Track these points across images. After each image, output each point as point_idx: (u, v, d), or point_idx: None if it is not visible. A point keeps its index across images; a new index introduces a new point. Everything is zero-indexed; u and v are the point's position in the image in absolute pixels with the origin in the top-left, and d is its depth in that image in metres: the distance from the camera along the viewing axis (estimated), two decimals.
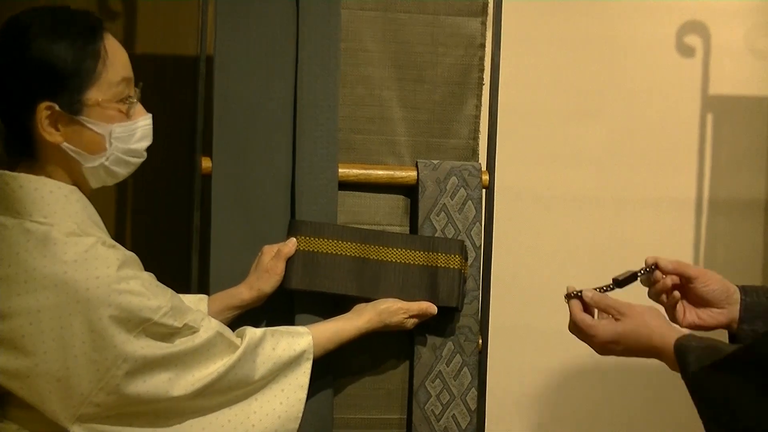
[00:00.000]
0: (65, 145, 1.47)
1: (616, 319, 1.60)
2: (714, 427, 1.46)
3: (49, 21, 1.46)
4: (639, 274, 1.69)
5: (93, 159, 1.50)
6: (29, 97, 1.45)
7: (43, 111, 1.44)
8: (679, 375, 1.49)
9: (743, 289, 1.70)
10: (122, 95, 1.50)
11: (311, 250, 1.81)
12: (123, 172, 1.55)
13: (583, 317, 1.62)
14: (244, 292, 1.80)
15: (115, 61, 1.49)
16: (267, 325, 1.81)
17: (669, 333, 1.56)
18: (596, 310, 1.64)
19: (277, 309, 1.84)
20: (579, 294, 1.64)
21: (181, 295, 1.74)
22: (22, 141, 1.48)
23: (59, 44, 1.44)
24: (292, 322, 1.81)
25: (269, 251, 1.82)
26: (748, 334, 1.65)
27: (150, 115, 1.54)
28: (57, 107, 1.45)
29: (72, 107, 1.46)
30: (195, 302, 1.77)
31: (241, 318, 1.79)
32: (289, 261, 1.81)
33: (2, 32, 1.47)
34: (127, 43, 2.33)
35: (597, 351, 1.62)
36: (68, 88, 1.45)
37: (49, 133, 1.46)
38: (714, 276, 1.71)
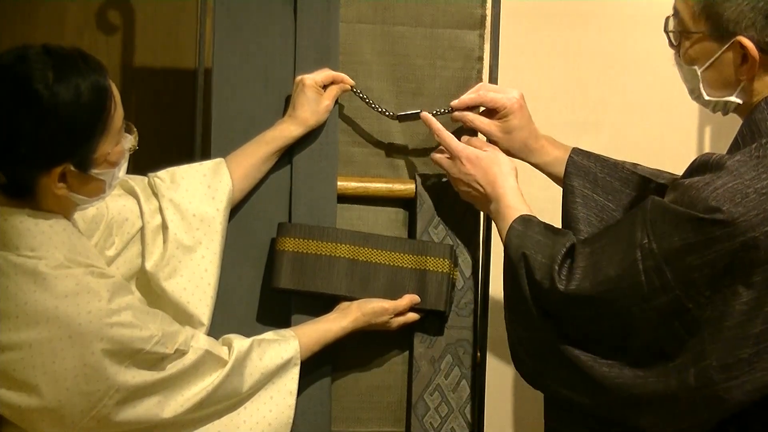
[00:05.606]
0: (70, 194, 1.46)
1: (484, 150, 1.79)
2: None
3: (71, 82, 1.40)
4: (424, 113, 1.84)
5: (92, 201, 1.51)
6: (46, 163, 1.42)
7: (58, 173, 1.43)
8: None
9: (576, 150, 1.81)
10: (122, 136, 1.49)
11: (300, 251, 1.81)
12: None
13: (456, 143, 1.81)
14: (293, 129, 1.81)
15: (118, 107, 1.47)
16: (259, 324, 1.82)
17: (503, 183, 1.74)
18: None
19: (273, 309, 1.84)
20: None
21: (194, 165, 1.74)
22: (23, 190, 1.45)
23: (81, 108, 1.40)
24: (287, 323, 1.81)
25: (310, 82, 1.80)
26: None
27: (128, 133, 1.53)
28: (71, 167, 1.43)
29: (84, 165, 1.44)
30: (213, 168, 1.75)
31: (236, 318, 1.79)
32: (278, 261, 1.81)
33: (19, 88, 1.39)
34: (126, 56, 2.34)
35: (451, 174, 1.81)
36: (83, 149, 1.43)
37: (59, 188, 1.44)
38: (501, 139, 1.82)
